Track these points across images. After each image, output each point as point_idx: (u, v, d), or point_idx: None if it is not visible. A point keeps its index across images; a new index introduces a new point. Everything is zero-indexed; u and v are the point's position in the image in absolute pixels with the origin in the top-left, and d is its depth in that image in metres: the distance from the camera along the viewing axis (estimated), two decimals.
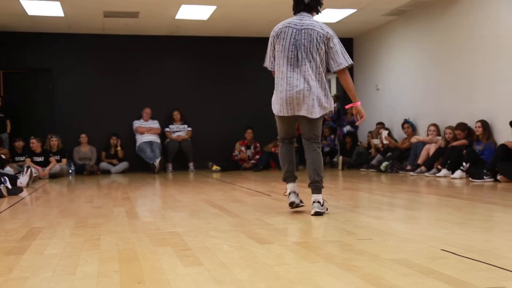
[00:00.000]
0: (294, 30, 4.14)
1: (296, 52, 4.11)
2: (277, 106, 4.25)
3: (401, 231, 3.39)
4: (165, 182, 8.67)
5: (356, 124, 4.39)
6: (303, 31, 4.11)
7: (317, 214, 4.10)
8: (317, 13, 4.28)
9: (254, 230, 3.52)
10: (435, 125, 9.06)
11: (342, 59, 4.11)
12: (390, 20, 10.68)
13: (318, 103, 4.09)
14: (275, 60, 4.23)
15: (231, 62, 11.93)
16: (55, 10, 9.36)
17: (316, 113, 4.11)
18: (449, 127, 8.56)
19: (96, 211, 4.75)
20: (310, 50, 4.08)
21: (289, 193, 4.30)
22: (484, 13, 8.20)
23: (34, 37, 11.05)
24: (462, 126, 8.27)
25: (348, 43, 12.40)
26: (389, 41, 10.99)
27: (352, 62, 4.19)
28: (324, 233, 3.49)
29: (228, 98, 11.81)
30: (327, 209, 4.28)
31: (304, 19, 4.17)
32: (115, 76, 11.45)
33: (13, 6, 9.08)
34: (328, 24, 11.08)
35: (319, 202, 4.14)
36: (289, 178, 4.33)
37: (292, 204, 4.29)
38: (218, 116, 11.74)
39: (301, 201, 4.38)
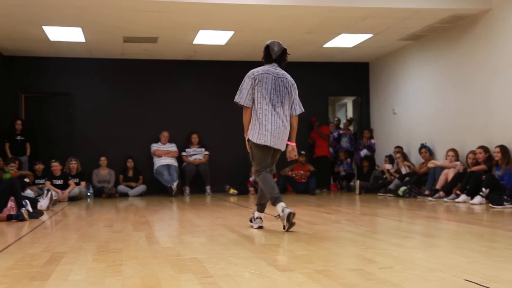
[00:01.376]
0: (273, 77, 4.96)
1: (276, 96, 4.94)
2: (264, 138, 4.94)
3: (422, 260, 3.37)
4: (183, 205, 8.70)
5: (288, 159, 5.39)
6: (280, 79, 4.96)
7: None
8: (284, 65, 5.10)
9: (274, 256, 3.52)
10: (453, 150, 9.01)
11: (301, 105, 5.11)
12: (406, 45, 10.72)
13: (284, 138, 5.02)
14: (255, 99, 4.98)
15: None
16: (77, 36, 9.55)
17: (284, 147, 5.04)
18: (472, 152, 8.49)
19: (116, 236, 4.78)
20: (284, 95, 4.96)
21: (283, 209, 4.78)
22: (501, 38, 8.20)
23: (55, 61, 11.26)
24: (484, 147, 8.21)
25: (364, 68, 12.45)
26: (405, 66, 11.02)
27: (303, 110, 5.16)
28: (344, 260, 3.48)
29: None
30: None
31: (277, 69, 5.02)
32: (133, 99, 11.59)
33: (37, 33, 9.29)
34: (344, 49, 11.18)
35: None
36: (279, 198, 4.90)
37: (291, 215, 4.72)
38: (234, 139, 11.77)
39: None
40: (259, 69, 5.00)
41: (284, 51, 5.03)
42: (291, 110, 5.02)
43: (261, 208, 5.18)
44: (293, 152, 5.16)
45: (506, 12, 8.11)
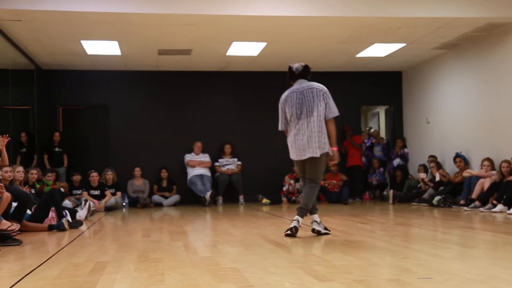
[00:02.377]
0: (297, 94, 5.26)
1: (301, 109, 5.20)
2: (291, 153, 5.41)
3: (461, 270, 3.37)
4: (216, 215, 8.79)
5: (329, 164, 5.63)
6: (305, 91, 5.23)
7: (313, 231, 5.29)
8: (309, 79, 5.36)
9: (312, 266, 3.57)
10: (489, 159, 8.89)
11: (334, 109, 5.20)
12: (440, 54, 10.65)
13: (317, 146, 5.17)
14: (288, 121, 5.36)
15: (279, 96, 12.06)
16: (113, 49, 9.79)
17: (313, 153, 5.17)
18: (506, 161, 8.38)
19: (155, 245, 4.89)
20: (312, 105, 5.17)
21: (293, 220, 5.30)
22: None
23: (92, 74, 11.54)
24: None
25: (397, 77, 12.40)
26: (439, 74, 10.94)
27: (338, 113, 5.21)
28: (382, 270, 3.50)
29: (277, 131, 11.86)
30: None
31: (303, 83, 5.30)
32: (167, 111, 11.78)
33: (75, 47, 9.56)
34: (377, 59, 11.14)
35: (315, 221, 5.34)
36: (298, 210, 5.37)
37: (292, 229, 5.21)
38: (267, 149, 11.86)
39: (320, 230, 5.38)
40: (286, 92, 5.40)
41: (305, 66, 5.32)
42: (324, 116, 5.19)
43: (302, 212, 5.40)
44: (333, 157, 5.28)
45: None
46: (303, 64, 5.36)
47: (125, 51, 9.95)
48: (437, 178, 9.86)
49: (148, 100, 11.77)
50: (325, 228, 5.39)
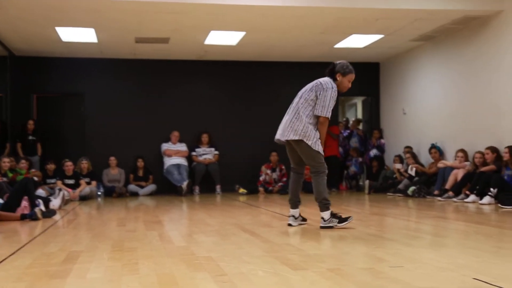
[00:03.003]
0: (306, 87, 5.17)
1: (298, 96, 5.15)
2: None
3: (432, 259, 3.44)
4: (193, 205, 8.79)
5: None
6: (312, 83, 5.09)
7: (322, 228, 4.98)
8: (335, 78, 5.09)
9: (287, 255, 3.60)
10: (463, 150, 9.04)
11: (323, 109, 4.93)
12: (417, 46, 10.76)
13: (291, 129, 5.04)
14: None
15: (258, 86, 12.11)
16: (89, 37, 9.67)
17: (286, 137, 5.05)
18: (479, 152, 8.53)
19: (130, 235, 4.88)
20: (306, 93, 5.05)
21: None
22: (510, 39, 8.23)
23: (67, 62, 11.39)
24: (492, 148, 8.25)
25: (374, 68, 12.49)
26: (416, 66, 11.05)
27: (328, 117, 4.96)
28: (355, 259, 3.56)
29: (254, 121, 11.96)
30: (337, 223, 4.97)
31: (323, 78, 5.12)
32: (144, 99, 11.70)
33: (49, 34, 9.42)
34: (355, 50, 11.19)
35: (322, 218, 5.01)
36: (290, 204, 5.35)
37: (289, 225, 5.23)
38: (244, 139, 11.88)
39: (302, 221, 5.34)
40: None
41: (331, 64, 5.14)
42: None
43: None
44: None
45: None
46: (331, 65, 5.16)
47: (101, 38, 9.84)
48: (413, 173, 9.97)
49: (124, 88, 11.68)
50: (340, 220, 5.05)
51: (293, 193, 5.33)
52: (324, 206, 4.98)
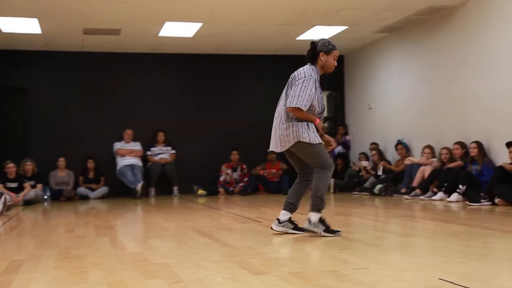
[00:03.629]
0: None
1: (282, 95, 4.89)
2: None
3: (397, 259, 3.51)
4: (148, 208, 8.72)
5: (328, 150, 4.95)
6: (290, 77, 4.84)
7: (304, 230, 4.72)
8: (317, 60, 4.82)
9: (247, 259, 3.61)
10: (429, 146, 9.24)
11: (294, 99, 4.62)
12: (382, 37, 10.93)
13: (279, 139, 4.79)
14: None
15: (217, 81, 12.09)
16: (32, 27, 9.46)
17: (279, 147, 4.82)
18: (445, 148, 8.73)
19: (78, 241, 4.80)
20: (286, 92, 4.79)
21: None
22: (478, 30, 8.44)
23: (8, 54, 11.10)
24: (461, 143, 8.45)
25: (338, 61, 12.55)
26: (381, 59, 11.23)
27: (298, 106, 4.59)
28: (319, 262, 3.59)
29: (214, 118, 11.93)
30: (322, 231, 4.62)
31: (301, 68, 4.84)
32: (94, 95, 11.53)
33: None
34: None
35: (308, 219, 4.67)
36: (284, 205, 4.97)
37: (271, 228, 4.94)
38: (203, 137, 11.84)
39: (293, 229, 4.86)
40: None
41: (311, 44, 4.82)
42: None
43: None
44: (328, 141, 4.96)
45: (483, 4, 8.35)
46: (310, 44, 4.84)
47: (46, 29, 9.64)
48: (379, 172, 10.13)
49: (72, 83, 11.47)
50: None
51: (289, 195, 4.97)
52: (315, 207, 4.65)
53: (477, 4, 8.48)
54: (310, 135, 4.67)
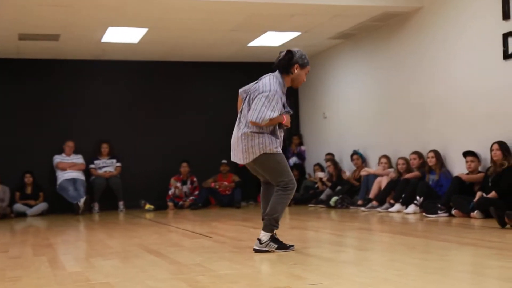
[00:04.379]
0: (249, 87, 4.87)
1: (243, 107, 4.82)
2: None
3: (352, 274, 3.56)
4: (92, 224, 8.59)
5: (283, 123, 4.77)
6: (251, 87, 4.82)
7: (254, 250, 4.67)
8: (287, 73, 4.79)
9: (195, 277, 3.60)
10: (386, 156, 9.41)
11: (256, 113, 4.60)
12: (336, 44, 11.11)
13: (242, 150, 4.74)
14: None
15: (164, 89, 12.01)
16: None
17: (240, 160, 4.78)
18: (402, 158, 8.92)
19: (13, 262, 4.69)
20: (247, 104, 4.77)
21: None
22: (432, 36, 8.68)
23: None
24: (418, 153, 8.64)
25: None
26: (336, 66, 11.40)
27: (258, 122, 4.59)
28: (271, 278, 3.61)
29: (162, 129, 11.85)
30: (275, 249, 4.60)
31: (265, 77, 4.80)
32: (31, 105, 11.26)
33: None
34: (270, 48, 11.31)
35: (258, 239, 4.67)
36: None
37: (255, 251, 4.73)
38: (150, 149, 11.73)
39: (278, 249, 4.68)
40: None
41: (287, 53, 4.75)
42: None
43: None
44: (287, 121, 4.77)
45: (437, 10, 8.61)
46: (282, 52, 4.78)
47: None
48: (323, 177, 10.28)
49: (6, 93, 11.19)
50: (280, 246, 4.65)
51: (264, 207, 4.85)
52: (269, 227, 4.64)
53: (431, 10, 8.73)
54: (278, 147, 4.69)
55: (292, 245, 4.70)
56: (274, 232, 4.70)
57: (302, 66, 4.77)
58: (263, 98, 4.61)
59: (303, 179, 11.70)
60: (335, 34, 10.30)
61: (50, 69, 11.38)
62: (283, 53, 4.78)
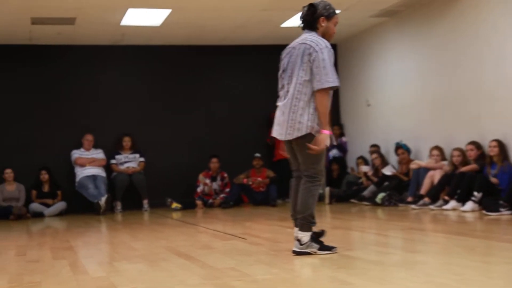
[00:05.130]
0: (289, 49, 4.85)
1: (286, 72, 4.79)
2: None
3: (404, 279, 3.52)
4: (114, 225, 8.70)
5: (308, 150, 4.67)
6: (293, 48, 4.79)
7: (294, 252, 4.62)
8: (314, 29, 4.80)
9: (230, 283, 3.61)
10: (438, 148, 9.27)
11: (324, 77, 4.57)
12: (379, 22, 10.99)
13: (291, 124, 4.64)
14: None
15: (190, 76, 12.06)
16: None
17: (284, 136, 4.70)
18: (457, 149, 8.77)
19: (32, 266, 4.77)
20: (293, 69, 4.71)
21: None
22: (492, 11, 8.51)
23: None
24: (476, 143, 8.49)
25: None
26: (380, 47, 11.28)
27: (332, 86, 4.61)
28: (313, 284, 3.60)
29: (189, 120, 11.91)
30: (317, 250, 4.58)
31: (301, 36, 4.81)
32: (46, 96, 11.43)
33: None
34: None
35: (298, 240, 4.61)
36: (293, 221, 4.83)
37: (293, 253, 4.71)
38: (176, 142, 11.79)
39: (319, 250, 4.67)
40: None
41: (310, 7, 4.74)
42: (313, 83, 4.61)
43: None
44: (314, 142, 4.57)
45: None
46: (306, 7, 4.76)
47: None
48: (389, 172, 10.14)
49: (20, 82, 11.36)
50: (322, 248, 4.64)
51: (293, 205, 4.84)
52: (305, 225, 4.60)
53: None
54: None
55: (335, 247, 4.68)
56: (312, 229, 4.67)
57: (328, 17, 4.78)
58: (325, 55, 4.59)
59: (344, 174, 11.64)
60: (378, 11, 10.19)
61: (65, 55, 11.50)
62: (306, 8, 4.76)
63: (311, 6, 4.75)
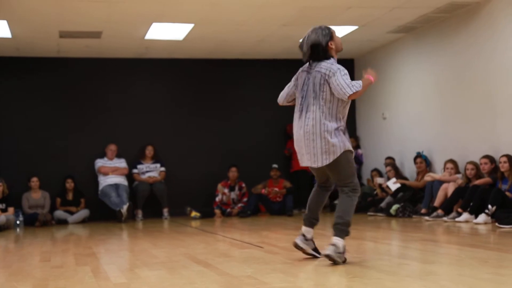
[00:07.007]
0: (306, 74, 4.98)
1: (306, 97, 4.90)
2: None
3: None
4: (135, 232, 8.72)
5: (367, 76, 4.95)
6: (312, 74, 4.91)
7: (328, 257, 4.56)
8: (329, 48, 4.98)
9: None
10: (452, 161, 9.22)
11: (346, 87, 4.71)
12: (397, 38, 10.97)
13: (325, 150, 4.73)
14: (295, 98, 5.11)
15: (211, 89, 12.11)
16: (1, 31, 9.50)
17: (312, 162, 4.80)
18: (471, 162, 8.72)
19: (56, 272, 4.80)
20: (317, 93, 4.82)
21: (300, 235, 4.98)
22: (502, 29, 8.47)
23: None
24: (490, 157, 8.43)
25: (348, 65, 12.66)
26: (396, 63, 11.26)
27: (354, 91, 4.74)
28: None
29: (209, 131, 11.94)
30: (344, 260, 4.62)
31: (314, 64, 4.95)
32: (72, 106, 11.53)
33: None
34: None
35: (334, 245, 4.60)
36: (304, 221, 5.03)
37: (295, 245, 4.94)
38: (196, 152, 11.84)
39: (313, 250, 4.97)
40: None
41: (313, 47, 4.92)
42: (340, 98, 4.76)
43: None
44: (371, 73, 5.04)
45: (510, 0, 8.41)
46: (309, 43, 4.95)
47: (17, 32, 9.68)
48: (393, 188, 10.09)
49: (47, 93, 11.48)
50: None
51: (310, 209, 5.01)
52: (344, 231, 4.67)
53: (503, 0, 8.52)
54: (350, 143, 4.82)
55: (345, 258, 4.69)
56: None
57: (331, 37, 4.96)
58: (338, 74, 4.74)
59: (360, 185, 11.59)
60: (395, 27, 10.18)
61: (91, 68, 11.61)
62: (308, 51, 4.92)
63: (314, 46, 4.91)
